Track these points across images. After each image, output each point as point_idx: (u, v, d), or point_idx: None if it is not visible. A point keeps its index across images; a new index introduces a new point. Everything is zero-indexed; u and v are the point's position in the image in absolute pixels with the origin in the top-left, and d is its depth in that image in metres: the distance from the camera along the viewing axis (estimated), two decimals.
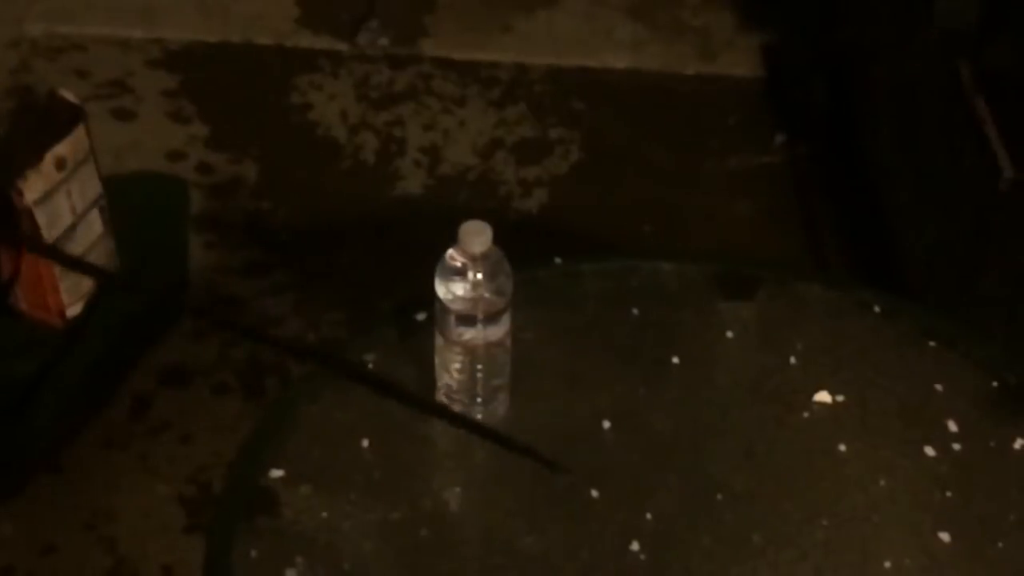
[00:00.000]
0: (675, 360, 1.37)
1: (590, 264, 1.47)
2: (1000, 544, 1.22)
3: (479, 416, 1.29)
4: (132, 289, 2.01)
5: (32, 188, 1.82)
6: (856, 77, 2.32)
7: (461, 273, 1.23)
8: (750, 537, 1.22)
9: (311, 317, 2.15)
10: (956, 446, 1.30)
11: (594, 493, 1.25)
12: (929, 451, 1.29)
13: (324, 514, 1.22)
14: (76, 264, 1.81)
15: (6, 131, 1.96)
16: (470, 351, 1.25)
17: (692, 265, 1.48)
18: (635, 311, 1.42)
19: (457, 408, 1.29)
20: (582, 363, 1.37)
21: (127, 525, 1.88)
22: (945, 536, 1.23)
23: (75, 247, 1.91)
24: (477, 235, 1.23)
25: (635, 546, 1.21)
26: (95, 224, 1.94)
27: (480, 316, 1.24)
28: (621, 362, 1.37)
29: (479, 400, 1.28)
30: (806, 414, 1.33)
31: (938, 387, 1.36)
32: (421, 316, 1.36)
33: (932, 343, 1.40)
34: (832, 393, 1.34)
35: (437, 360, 1.28)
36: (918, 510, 1.25)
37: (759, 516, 1.24)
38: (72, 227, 1.90)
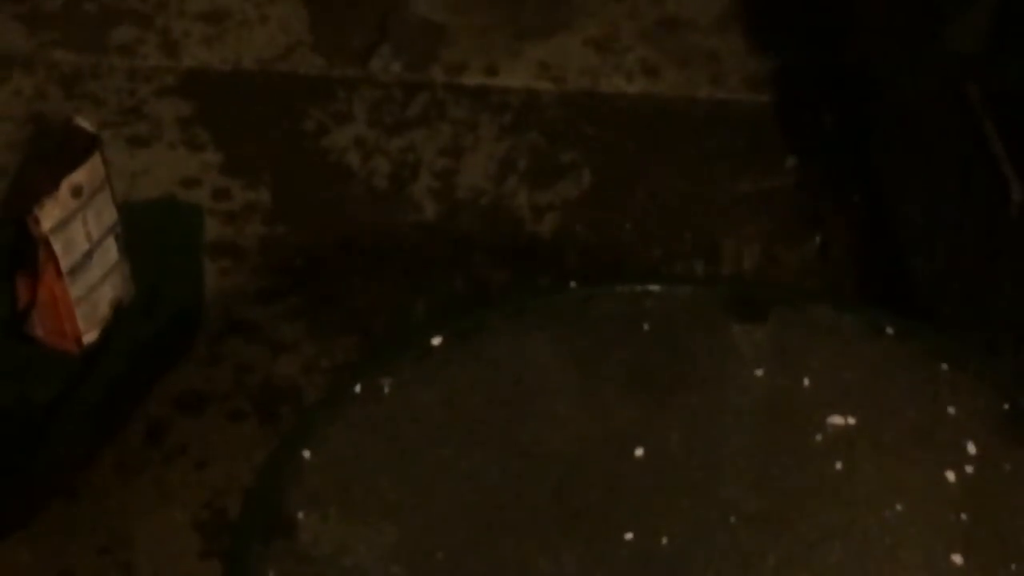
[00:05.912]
0: (688, 383, 1.38)
1: (603, 288, 1.48)
2: (1013, 566, 1.23)
3: None
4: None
5: (49, 216, 1.84)
6: (866, 100, 2.33)
7: None
8: (764, 559, 1.23)
9: (325, 342, 2.16)
10: (969, 468, 1.30)
11: (608, 516, 1.25)
12: (942, 473, 1.30)
13: (341, 537, 1.22)
14: None
15: (23, 159, 1.98)
16: None
17: (704, 288, 1.48)
18: (648, 334, 1.42)
19: None
20: (595, 386, 1.38)
21: (143, 550, 1.88)
22: (958, 558, 1.23)
23: (91, 274, 1.93)
24: None
25: (650, 570, 1.21)
26: (111, 251, 1.95)
27: None
28: (634, 385, 1.38)
29: None
30: (819, 436, 1.33)
31: (951, 409, 1.36)
32: (436, 340, 1.37)
33: (944, 365, 1.40)
34: (845, 415, 1.34)
35: None
36: (931, 532, 1.25)
37: (772, 538, 1.25)
38: (88, 254, 1.91)
